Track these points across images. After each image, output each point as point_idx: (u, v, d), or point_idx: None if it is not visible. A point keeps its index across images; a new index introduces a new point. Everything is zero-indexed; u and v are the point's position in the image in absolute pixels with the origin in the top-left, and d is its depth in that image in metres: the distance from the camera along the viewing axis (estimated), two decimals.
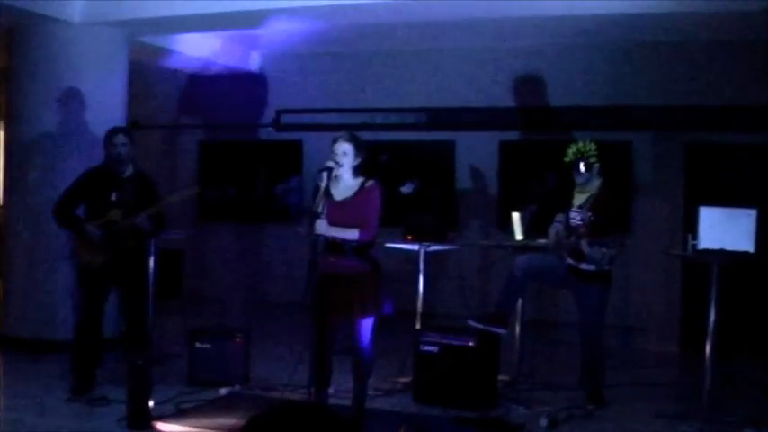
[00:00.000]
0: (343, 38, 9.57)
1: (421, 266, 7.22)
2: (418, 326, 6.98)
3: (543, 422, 5.84)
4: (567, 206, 6.50)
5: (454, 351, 6.35)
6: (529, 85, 9.64)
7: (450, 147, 10.00)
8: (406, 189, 9.92)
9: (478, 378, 6.28)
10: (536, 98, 9.64)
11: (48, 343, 7.69)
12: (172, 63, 10.19)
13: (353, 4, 7.48)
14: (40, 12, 7.75)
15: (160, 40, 9.20)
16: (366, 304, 5.25)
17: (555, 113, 9.53)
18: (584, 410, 6.22)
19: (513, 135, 9.78)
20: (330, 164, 5.28)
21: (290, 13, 7.69)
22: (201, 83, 11.03)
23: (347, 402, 5.55)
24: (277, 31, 8.86)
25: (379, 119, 10.15)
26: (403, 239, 7.26)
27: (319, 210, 5.17)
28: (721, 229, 5.87)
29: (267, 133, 10.80)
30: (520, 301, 6.89)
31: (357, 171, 5.38)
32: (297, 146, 10.62)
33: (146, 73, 10.07)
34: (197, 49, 9.68)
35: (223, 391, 6.53)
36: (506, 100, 9.73)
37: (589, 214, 6.26)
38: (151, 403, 5.62)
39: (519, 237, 7.07)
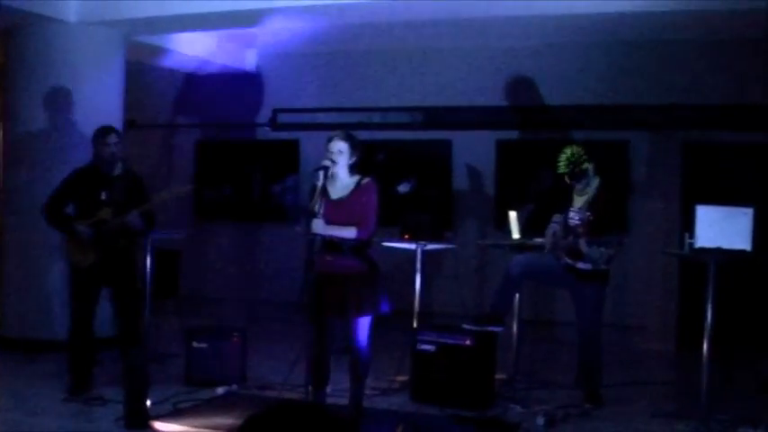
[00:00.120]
0: (339, 37, 9.56)
1: (418, 266, 7.22)
2: (415, 325, 6.98)
3: (540, 421, 5.85)
4: (566, 207, 6.50)
5: (451, 350, 6.35)
6: (526, 83, 9.64)
7: (446, 146, 9.99)
8: (402, 188, 9.93)
9: (475, 377, 6.28)
10: (533, 97, 9.63)
11: (44, 343, 7.69)
12: (168, 62, 10.17)
13: (350, 3, 7.48)
14: (36, 11, 7.74)
15: (156, 40, 9.19)
16: (363, 303, 5.25)
17: (552, 112, 9.53)
18: (581, 409, 6.22)
19: (509, 134, 9.78)
20: (326, 163, 5.28)
21: (287, 12, 7.69)
22: (198, 82, 11.01)
23: (344, 402, 5.56)
24: (273, 30, 8.85)
25: (375, 118, 10.14)
26: (400, 239, 7.27)
27: (316, 209, 5.17)
28: (718, 227, 5.88)
29: (264, 132, 10.79)
30: (517, 301, 6.89)
31: (353, 169, 5.39)
32: (293, 145, 10.61)
33: (142, 72, 10.05)
34: (193, 49, 9.67)
35: (220, 390, 6.53)
36: (503, 99, 9.73)
37: (588, 214, 6.26)
38: (148, 403, 5.61)
39: (516, 236, 7.07)
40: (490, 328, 6.35)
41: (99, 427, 5.64)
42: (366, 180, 5.37)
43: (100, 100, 8.14)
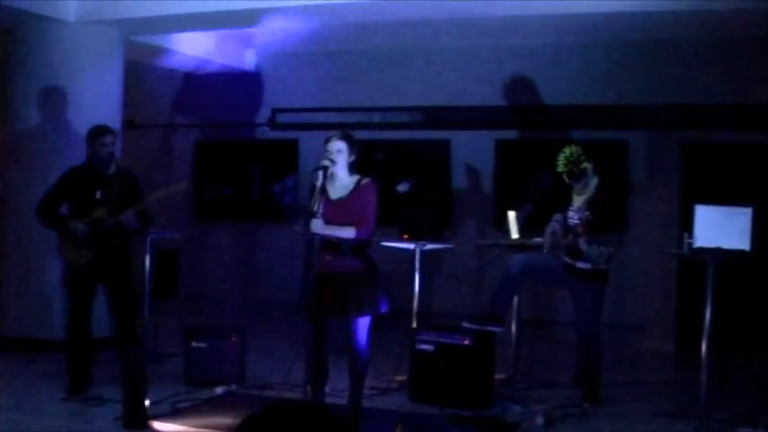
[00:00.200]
0: (339, 37, 9.56)
1: (417, 265, 7.22)
2: (414, 325, 6.98)
3: (539, 421, 5.85)
4: (565, 207, 6.50)
5: (450, 350, 6.35)
6: (525, 83, 9.64)
7: (445, 145, 9.99)
8: (401, 188, 9.93)
9: (474, 377, 6.28)
10: (532, 97, 9.63)
11: (43, 342, 7.68)
12: (167, 62, 10.17)
13: (349, 3, 7.48)
14: (35, 11, 7.74)
15: (155, 40, 9.19)
16: (363, 303, 5.25)
17: (551, 112, 9.52)
18: (580, 409, 6.22)
19: (508, 134, 9.78)
20: (326, 162, 5.28)
21: (286, 11, 7.68)
22: (197, 82, 11.01)
23: (343, 401, 5.55)
24: (272, 29, 8.85)
25: (374, 118, 10.13)
26: (399, 238, 7.27)
27: (315, 208, 5.17)
28: (717, 227, 5.88)
29: (263, 132, 10.78)
30: (516, 300, 6.89)
31: (352, 169, 5.39)
32: (292, 145, 10.60)
33: (141, 72, 10.05)
34: (192, 48, 9.67)
35: (219, 390, 6.52)
36: (502, 99, 9.73)
37: (586, 213, 6.26)
38: (147, 403, 5.60)
39: (515, 235, 7.07)
40: (489, 328, 6.35)
41: (98, 426, 5.64)
42: (366, 180, 5.37)
43: (99, 100, 8.13)
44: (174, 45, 9.41)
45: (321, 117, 10.19)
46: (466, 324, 6.36)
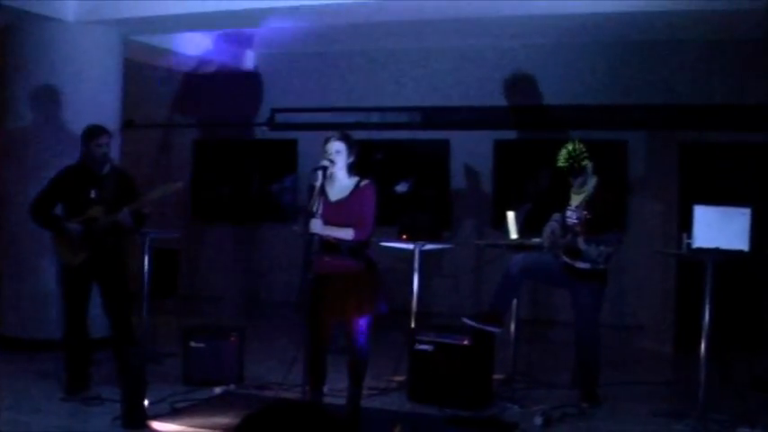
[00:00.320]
0: (337, 37, 9.56)
1: (416, 265, 7.21)
2: (413, 325, 6.97)
3: (538, 421, 5.85)
4: (564, 206, 6.50)
5: (449, 350, 6.34)
6: (523, 83, 9.64)
7: (444, 146, 10.00)
8: (400, 188, 9.93)
9: (473, 377, 6.28)
10: (531, 97, 9.63)
11: (42, 342, 7.67)
12: (166, 62, 10.17)
13: (348, 3, 7.48)
14: (34, 11, 7.73)
15: (155, 39, 9.19)
16: (362, 304, 5.25)
17: (549, 112, 9.53)
18: (578, 409, 6.21)
19: (507, 134, 9.78)
20: (325, 163, 5.28)
21: (285, 12, 7.68)
22: (196, 82, 11.01)
23: (342, 401, 5.55)
24: (272, 30, 8.85)
25: (373, 118, 10.14)
26: (398, 238, 7.26)
27: (314, 209, 5.17)
28: (716, 227, 5.88)
29: (262, 132, 10.78)
30: (515, 300, 6.89)
31: (351, 170, 5.39)
32: (291, 145, 10.60)
33: (140, 72, 10.04)
34: (192, 48, 9.67)
35: (218, 390, 6.52)
36: (501, 99, 9.73)
37: (585, 213, 6.25)
38: (146, 402, 5.60)
39: (513, 236, 7.08)
40: (488, 329, 6.35)
41: (96, 426, 5.63)
42: (365, 182, 5.37)
43: (98, 99, 8.13)
44: (173, 45, 9.40)
45: (320, 117, 10.20)
46: (465, 319, 6.36)
